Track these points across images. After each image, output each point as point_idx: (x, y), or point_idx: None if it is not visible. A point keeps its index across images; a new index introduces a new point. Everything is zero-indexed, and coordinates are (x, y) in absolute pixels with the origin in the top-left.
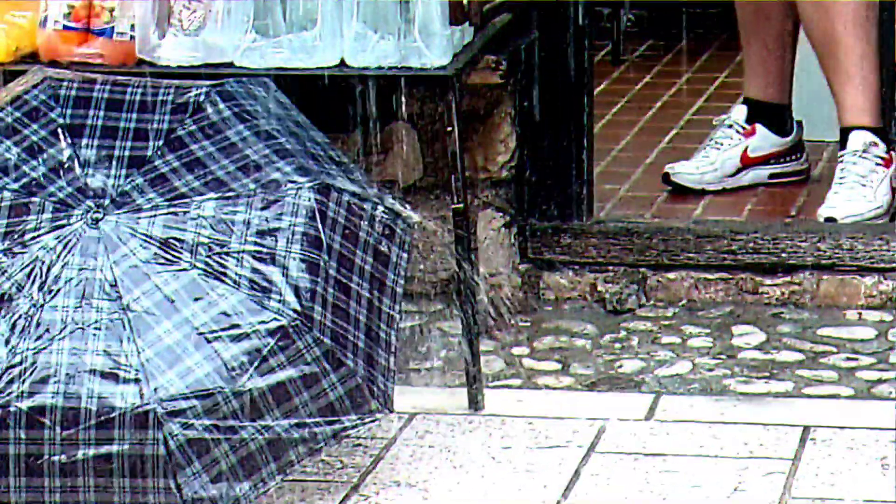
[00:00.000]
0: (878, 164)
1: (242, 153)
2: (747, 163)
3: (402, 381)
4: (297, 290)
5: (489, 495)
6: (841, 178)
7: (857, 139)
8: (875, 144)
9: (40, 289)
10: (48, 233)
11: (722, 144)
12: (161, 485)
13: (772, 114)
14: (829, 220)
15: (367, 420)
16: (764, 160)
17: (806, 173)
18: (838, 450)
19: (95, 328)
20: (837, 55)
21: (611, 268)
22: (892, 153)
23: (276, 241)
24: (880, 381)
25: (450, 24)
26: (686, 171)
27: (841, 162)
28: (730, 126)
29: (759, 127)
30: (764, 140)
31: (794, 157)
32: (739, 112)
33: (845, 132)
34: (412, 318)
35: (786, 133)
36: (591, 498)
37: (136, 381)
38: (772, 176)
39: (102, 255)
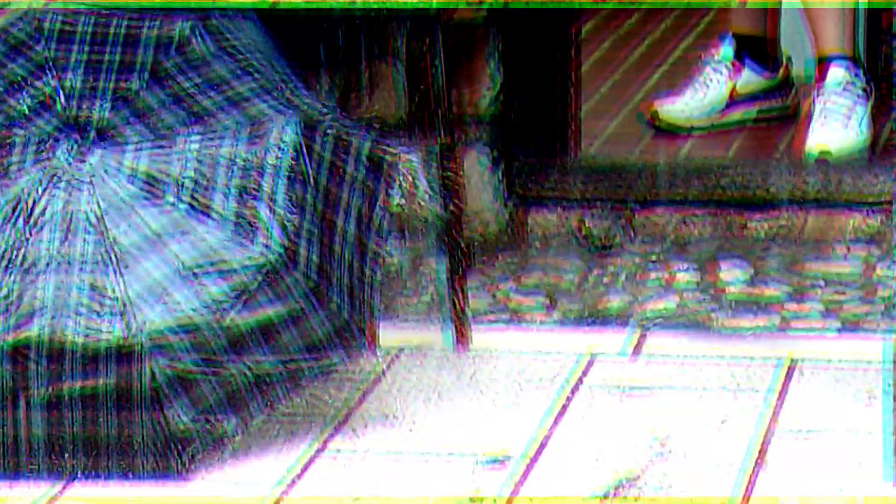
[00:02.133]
0: (859, 97)
1: (228, 88)
2: (735, 99)
3: (389, 318)
4: (283, 227)
5: (476, 430)
6: (825, 111)
7: (839, 72)
8: (855, 76)
9: (25, 223)
10: (33, 167)
11: (710, 82)
12: (147, 419)
13: (759, 49)
14: (823, 153)
15: (353, 356)
16: (752, 96)
17: (794, 109)
18: (824, 383)
19: (81, 263)
20: None
21: (598, 204)
22: (871, 85)
23: (262, 177)
24: (867, 315)
25: None
26: (673, 110)
27: (822, 94)
28: (717, 63)
29: (746, 63)
30: (752, 76)
31: (782, 93)
32: (727, 48)
33: (823, 62)
34: (399, 254)
35: (774, 69)
36: (578, 432)
37: (122, 315)
38: (760, 112)
39: (87, 190)
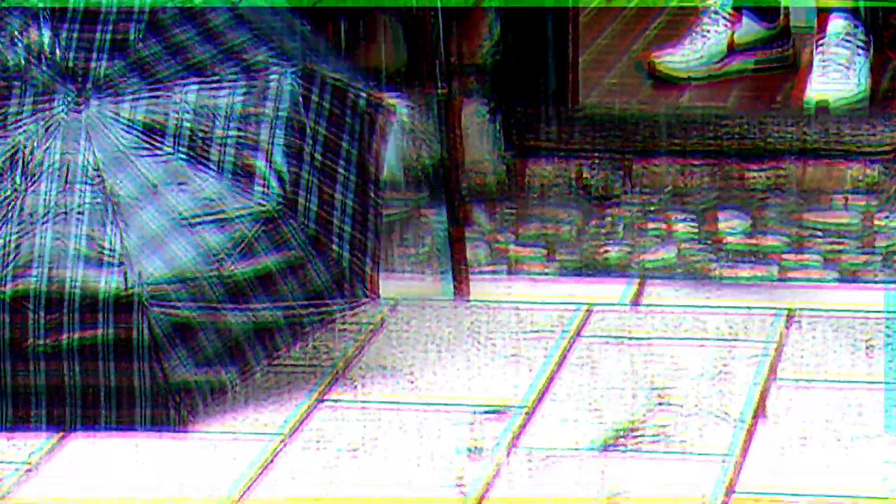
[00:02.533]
0: (858, 48)
1: (225, 38)
2: (734, 50)
3: (388, 269)
4: (280, 177)
5: (475, 381)
6: (824, 62)
7: (839, 23)
8: (855, 27)
9: (23, 174)
10: (30, 118)
11: (708, 32)
12: (146, 369)
13: None
14: (822, 103)
15: (353, 305)
16: (750, 47)
17: (792, 59)
18: (823, 333)
19: (79, 213)
20: None
21: (596, 155)
22: (871, 37)
23: (260, 127)
24: (865, 265)
25: None
26: (672, 60)
27: (822, 45)
28: (716, 13)
29: (745, 13)
30: (750, 27)
31: (780, 44)
32: None
33: (823, 13)
34: (397, 206)
35: (772, 19)
36: (576, 383)
37: (120, 266)
38: (758, 62)
39: (85, 141)
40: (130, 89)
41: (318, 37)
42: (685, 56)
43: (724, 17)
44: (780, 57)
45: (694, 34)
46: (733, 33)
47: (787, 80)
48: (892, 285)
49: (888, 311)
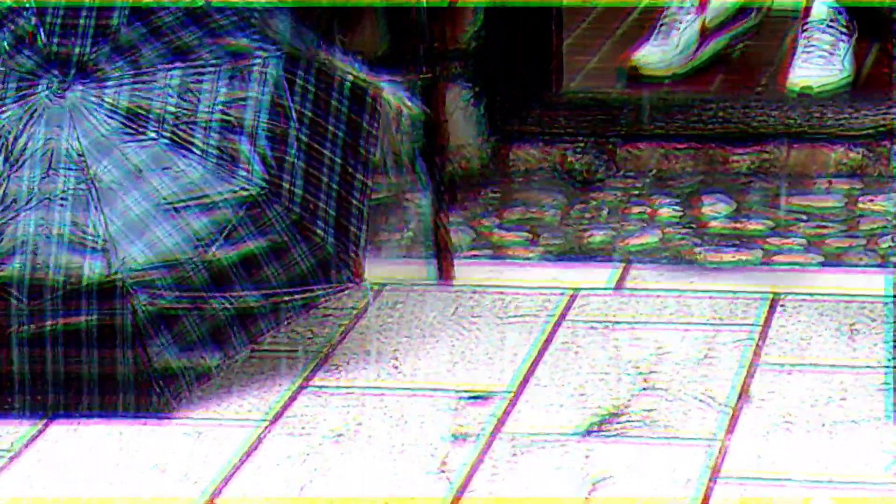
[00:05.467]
0: (842, 34)
1: (209, 21)
2: (707, 34)
3: (372, 253)
4: (264, 161)
5: (459, 366)
6: (808, 47)
7: (822, 9)
8: (838, 13)
9: (6, 160)
10: (13, 103)
11: (680, 24)
12: (130, 355)
13: None
14: (805, 88)
15: (337, 290)
16: (721, 26)
17: (764, 18)
18: (807, 317)
19: (62, 199)
20: None
21: (580, 139)
22: (854, 23)
23: (244, 111)
24: (849, 249)
25: None
26: (653, 62)
27: (805, 31)
28: (682, 4)
29: None
30: (719, 7)
31: (747, 12)
32: None
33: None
34: (381, 189)
35: None
36: (561, 367)
37: (104, 251)
38: (734, 38)
39: (68, 126)
40: (114, 74)
41: (304, 20)
42: (664, 54)
43: (693, 4)
44: (752, 25)
45: (665, 25)
46: (704, 18)
47: (770, 65)
48: (887, 269)
49: (888, 297)
